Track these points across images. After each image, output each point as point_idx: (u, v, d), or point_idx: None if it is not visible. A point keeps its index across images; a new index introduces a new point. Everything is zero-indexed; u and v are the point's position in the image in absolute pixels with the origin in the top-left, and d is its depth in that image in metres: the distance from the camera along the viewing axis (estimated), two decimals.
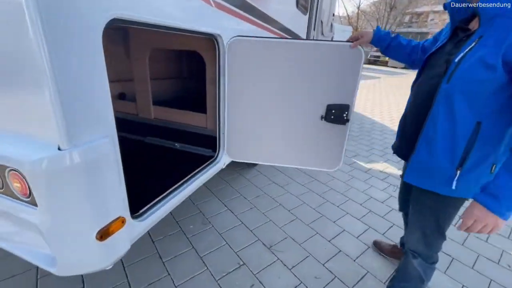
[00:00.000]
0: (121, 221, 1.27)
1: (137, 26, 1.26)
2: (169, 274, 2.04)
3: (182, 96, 3.73)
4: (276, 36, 2.97)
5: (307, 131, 2.09)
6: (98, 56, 1.06)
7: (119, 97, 3.15)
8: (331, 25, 7.33)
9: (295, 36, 3.94)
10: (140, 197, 1.78)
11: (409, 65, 1.63)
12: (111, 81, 1.10)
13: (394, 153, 1.58)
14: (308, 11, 4.61)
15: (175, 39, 2.35)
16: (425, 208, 1.37)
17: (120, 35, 2.88)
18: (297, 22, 4.06)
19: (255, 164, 3.85)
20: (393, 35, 1.63)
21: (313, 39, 2.58)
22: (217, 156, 2.37)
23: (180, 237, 2.42)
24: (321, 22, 5.90)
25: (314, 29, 5.76)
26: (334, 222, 2.78)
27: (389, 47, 1.62)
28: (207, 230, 2.54)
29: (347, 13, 37.35)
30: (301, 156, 2.20)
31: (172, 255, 2.22)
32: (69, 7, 0.93)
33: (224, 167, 2.51)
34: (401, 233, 2.25)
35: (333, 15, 7.52)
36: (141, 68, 2.59)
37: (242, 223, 2.67)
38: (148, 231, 2.47)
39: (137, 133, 2.85)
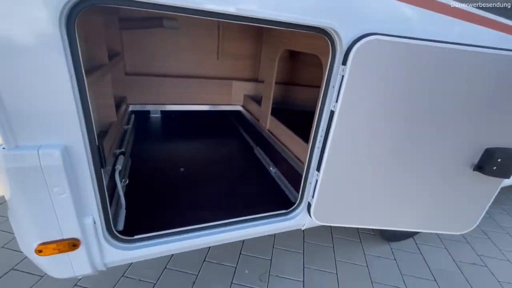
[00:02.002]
0: (71, 243, 1.06)
1: (133, 7, 0.88)
2: None
3: None
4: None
5: (444, 184, 1.53)
6: (54, 52, 0.80)
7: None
8: None
9: None
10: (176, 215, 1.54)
11: None
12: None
13: None
14: None
15: (296, 38, 1.74)
16: None
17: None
18: None
19: (407, 235, 2.44)
20: None
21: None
22: (291, 210, 1.60)
23: (227, 277, 1.99)
24: None
25: None
26: None
27: None
28: None
29: None
30: (426, 216, 1.64)
31: None
32: None
33: (302, 229, 1.69)
34: None
35: None
36: (270, 70, 2.23)
37: None
38: (208, 250, 2.27)
39: (254, 140, 2.63)
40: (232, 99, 3.07)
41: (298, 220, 1.60)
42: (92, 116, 0.96)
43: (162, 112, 3.04)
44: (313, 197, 1.48)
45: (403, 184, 1.46)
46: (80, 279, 1.83)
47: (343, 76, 1.18)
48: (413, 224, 1.60)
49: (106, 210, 1.13)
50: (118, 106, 2.36)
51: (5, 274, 1.83)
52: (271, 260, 2.17)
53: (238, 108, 3.12)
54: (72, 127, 0.91)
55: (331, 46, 1.20)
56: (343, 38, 1.14)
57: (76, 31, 0.83)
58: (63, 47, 0.80)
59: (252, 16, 1.01)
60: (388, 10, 1.15)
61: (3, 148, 0.87)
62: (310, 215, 1.54)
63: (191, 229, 1.41)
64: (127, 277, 1.91)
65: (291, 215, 1.60)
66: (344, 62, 1.18)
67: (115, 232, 1.21)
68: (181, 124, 2.91)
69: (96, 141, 1.01)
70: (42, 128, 0.88)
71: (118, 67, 2.47)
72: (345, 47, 1.16)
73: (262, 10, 1.00)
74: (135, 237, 1.29)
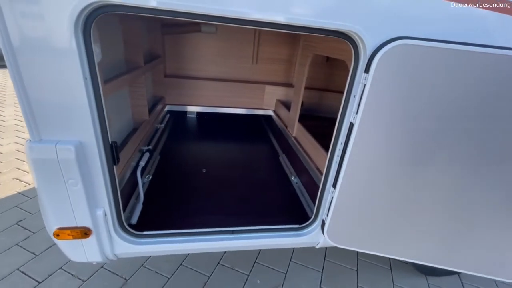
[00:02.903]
0: (83, 232, 1.15)
1: (160, 16, 0.90)
2: None
3: None
4: None
5: (500, 217, 1.24)
6: (70, 57, 0.87)
7: None
8: None
9: None
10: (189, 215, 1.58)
11: None
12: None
13: None
14: None
15: (325, 43, 1.62)
16: None
17: None
18: None
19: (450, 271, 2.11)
20: None
21: None
22: (304, 226, 1.50)
23: (238, 284, 1.95)
24: None
25: None
26: None
27: None
28: None
29: None
30: (472, 255, 1.36)
31: None
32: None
33: (316, 247, 1.57)
34: None
35: None
36: (300, 76, 2.14)
37: None
38: (223, 253, 2.26)
39: (281, 147, 2.56)
40: (264, 104, 3.05)
41: (311, 237, 1.49)
42: (105, 116, 1.03)
43: (198, 113, 3.17)
44: (327, 215, 1.36)
45: (434, 213, 1.24)
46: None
47: (364, 85, 1.06)
48: (450, 262, 1.34)
49: (117, 204, 1.20)
50: (155, 105, 2.53)
51: (49, 247, 2.10)
52: (286, 273, 2.07)
53: (270, 113, 3.08)
54: (85, 125, 0.98)
55: (354, 51, 1.08)
56: (367, 43, 1.02)
57: (92, 37, 0.90)
58: (78, 52, 0.87)
59: (268, 21, 0.96)
60: (423, 9, 0.98)
61: (29, 141, 0.98)
62: (323, 234, 1.42)
63: (199, 232, 1.42)
64: (146, 267, 2.02)
65: (304, 231, 1.50)
66: (366, 70, 1.05)
67: (126, 225, 1.28)
68: (213, 125, 2.99)
69: (109, 139, 1.08)
70: (61, 125, 0.97)
71: (158, 70, 2.65)
72: (369, 53, 1.03)
73: (278, 14, 0.95)
74: (144, 232, 1.34)
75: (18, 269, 1.91)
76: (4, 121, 4.33)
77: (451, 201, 1.21)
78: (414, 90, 1.00)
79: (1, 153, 3.35)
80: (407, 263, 2.24)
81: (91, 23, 0.87)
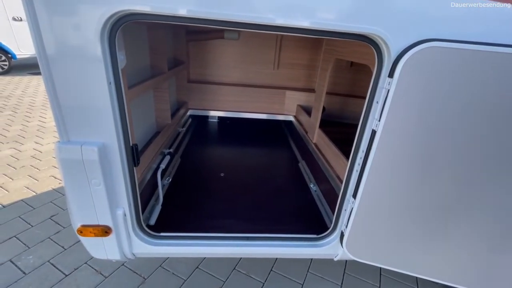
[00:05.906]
0: (104, 230, 1.19)
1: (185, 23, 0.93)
2: None
3: None
4: None
5: None
6: (96, 63, 0.92)
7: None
8: None
9: None
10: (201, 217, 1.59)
11: None
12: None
13: None
14: None
15: (348, 47, 1.56)
16: None
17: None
18: None
19: None
20: None
21: None
22: (322, 236, 1.44)
23: None
24: None
25: None
26: None
27: None
28: None
29: None
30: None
31: None
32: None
33: (335, 259, 1.49)
34: None
35: None
36: (322, 81, 2.09)
37: None
38: (240, 259, 2.23)
39: (301, 153, 2.50)
40: (285, 109, 3.02)
41: (330, 249, 1.43)
42: (127, 119, 1.07)
43: (219, 118, 3.22)
44: (346, 226, 1.29)
45: (464, 229, 1.12)
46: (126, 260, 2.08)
47: (388, 91, 1.00)
48: (483, 286, 1.21)
49: (136, 205, 1.24)
50: (178, 110, 2.61)
51: (76, 242, 2.23)
52: (302, 285, 1.99)
53: (291, 118, 3.05)
54: (108, 127, 1.03)
55: (377, 55, 1.03)
56: (391, 46, 0.96)
57: (117, 43, 0.94)
58: (103, 58, 0.92)
59: (290, 26, 0.95)
60: (453, 8, 0.91)
61: (59, 142, 1.05)
62: (342, 247, 1.35)
63: (213, 236, 1.42)
64: (164, 268, 2.06)
65: (322, 242, 1.44)
66: (390, 74, 0.99)
67: (144, 226, 1.32)
68: (234, 130, 3.02)
69: (130, 141, 1.12)
70: (87, 127, 1.03)
71: (182, 75, 2.74)
72: (393, 57, 0.98)
73: (301, 18, 0.93)
74: (161, 234, 1.37)
75: (48, 261, 2.04)
76: (45, 122, 4.72)
77: (486, 217, 1.10)
78: (443, 96, 0.93)
79: (41, 152, 3.65)
80: (436, 283, 2.06)
81: (116, 31, 0.92)
